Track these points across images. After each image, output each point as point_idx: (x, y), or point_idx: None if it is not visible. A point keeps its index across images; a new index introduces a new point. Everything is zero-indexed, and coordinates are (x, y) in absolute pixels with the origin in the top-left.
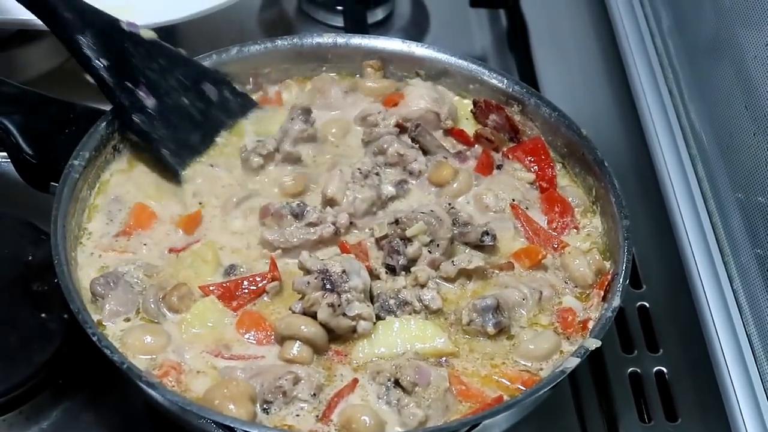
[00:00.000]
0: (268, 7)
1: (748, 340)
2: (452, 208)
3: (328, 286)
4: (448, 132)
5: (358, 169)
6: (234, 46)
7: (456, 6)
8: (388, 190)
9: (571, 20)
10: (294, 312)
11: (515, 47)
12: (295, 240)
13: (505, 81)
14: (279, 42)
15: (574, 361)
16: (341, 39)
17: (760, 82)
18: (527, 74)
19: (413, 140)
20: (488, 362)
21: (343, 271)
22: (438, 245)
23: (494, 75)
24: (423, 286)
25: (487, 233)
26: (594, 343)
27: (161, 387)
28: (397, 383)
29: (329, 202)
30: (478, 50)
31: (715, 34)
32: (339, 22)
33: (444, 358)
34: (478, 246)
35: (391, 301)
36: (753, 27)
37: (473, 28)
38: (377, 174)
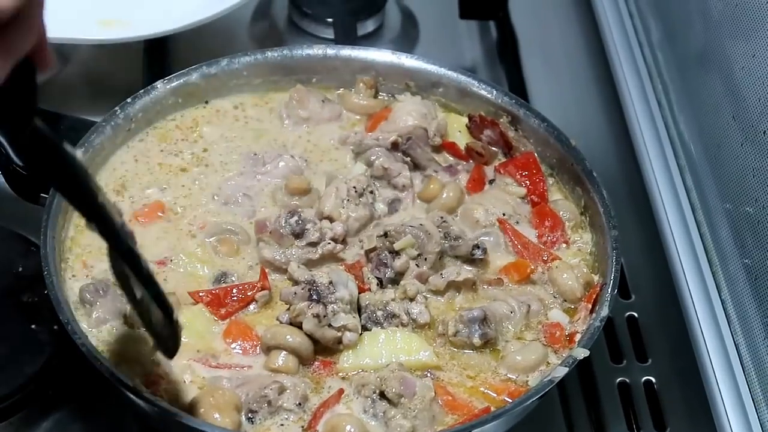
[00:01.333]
0: (259, 19)
1: (736, 349)
2: (444, 221)
3: (314, 297)
4: (438, 148)
5: (354, 187)
6: (224, 58)
7: (446, 18)
8: (381, 208)
9: (561, 31)
10: (281, 322)
11: (505, 59)
12: (298, 261)
13: (495, 92)
14: (269, 54)
15: (562, 371)
16: (331, 50)
17: (748, 92)
18: (517, 85)
19: (405, 153)
20: (474, 374)
21: (330, 282)
22: (426, 259)
23: (483, 86)
24: (412, 299)
25: (477, 246)
26: (582, 353)
27: (150, 397)
28: (382, 395)
29: (326, 219)
30: (468, 62)
31: (703, 45)
32: (329, 34)
33: (429, 371)
34: (469, 259)
35: (379, 313)
36: (741, 38)
37: (463, 39)
38: (372, 192)
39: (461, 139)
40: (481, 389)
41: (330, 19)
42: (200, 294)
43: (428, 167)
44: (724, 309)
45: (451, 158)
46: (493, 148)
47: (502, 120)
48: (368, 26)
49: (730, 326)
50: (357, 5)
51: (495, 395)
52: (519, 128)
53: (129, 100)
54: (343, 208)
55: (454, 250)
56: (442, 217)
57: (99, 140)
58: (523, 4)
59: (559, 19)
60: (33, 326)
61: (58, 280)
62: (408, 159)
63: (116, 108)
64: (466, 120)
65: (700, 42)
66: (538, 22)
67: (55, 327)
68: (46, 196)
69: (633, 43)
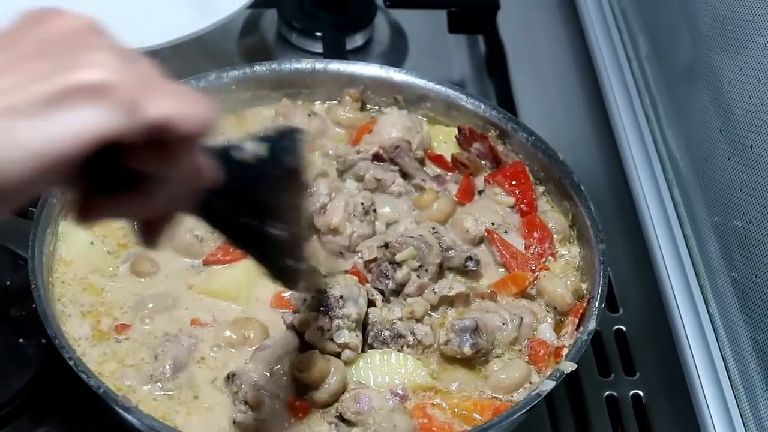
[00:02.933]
0: (248, 34)
1: (724, 363)
2: (436, 232)
3: (322, 309)
4: (421, 161)
5: (362, 203)
6: (212, 71)
7: (435, 32)
8: (381, 228)
9: (549, 46)
10: (285, 323)
11: (493, 72)
12: None
13: (483, 106)
14: (257, 68)
15: (550, 384)
16: (319, 64)
17: (735, 106)
18: (505, 99)
19: (392, 162)
20: (459, 393)
21: (341, 297)
22: (427, 270)
23: (471, 100)
24: (418, 320)
25: (470, 258)
26: (570, 366)
27: (137, 411)
28: (342, 419)
29: (332, 231)
30: (457, 76)
31: (691, 59)
32: (318, 48)
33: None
34: (462, 271)
35: (386, 333)
36: (729, 52)
37: (452, 54)
38: (374, 211)
39: (447, 150)
40: (463, 413)
41: (319, 33)
42: None
43: (416, 176)
44: (712, 323)
45: (438, 169)
46: (481, 161)
47: (491, 134)
48: (357, 40)
49: (717, 340)
50: (346, 20)
51: (478, 416)
52: (507, 142)
53: None
54: (350, 222)
55: (447, 262)
56: (433, 228)
57: None
58: (511, 19)
59: (548, 33)
60: (21, 340)
61: (46, 294)
62: (396, 168)
63: None
64: (454, 131)
65: (688, 56)
66: (526, 36)
67: (43, 341)
68: (34, 209)
69: (621, 57)
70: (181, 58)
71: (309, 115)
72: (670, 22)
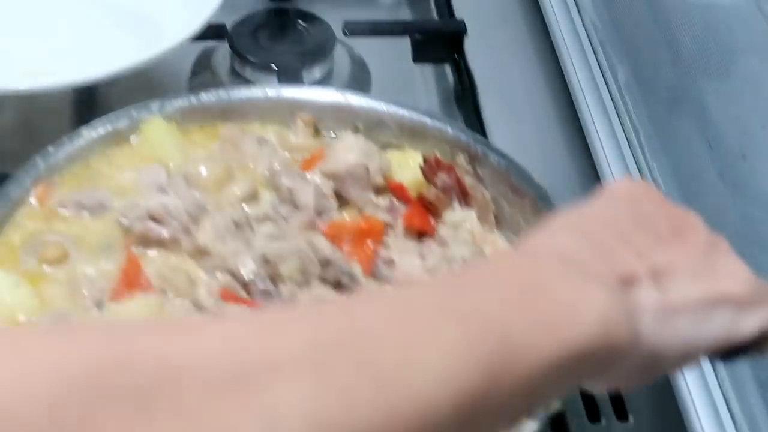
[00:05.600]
0: (199, 72)
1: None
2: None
3: None
4: (382, 189)
5: (233, 220)
6: (154, 102)
7: (399, 63)
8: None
9: (522, 72)
10: None
11: (463, 103)
12: None
13: (450, 129)
14: (204, 96)
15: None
16: (272, 92)
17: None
18: (476, 128)
19: (338, 196)
20: None
21: None
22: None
23: (437, 122)
24: None
25: (345, 272)
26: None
27: None
28: None
29: (202, 251)
30: (424, 108)
31: (674, 85)
32: (274, 82)
33: None
34: (338, 285)
35: None
36: (712, 78)
37: (418, 85)
38: (251, 228)
39: (410, 173)
40: None
41: (274, 66)
42: None
43: (366, 208)
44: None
45: (396, 201)
46: (447, 198)
47: (459, 162)
48: (315, 73)
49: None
50: (302, 50)
51: None
52: (477, 170)
53: (51, 149)
54: (219, 240)
55: (323, 272)
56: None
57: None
58: (480, 46)
59: (520, 61)
60: None
61: None
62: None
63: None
64: (415, 155)
65: (670, 82)
66: (497, 64)
67: None
68: None
69: (599, 80)
70: (129, 100)
71: (259, 142)
72: (650, 46)
